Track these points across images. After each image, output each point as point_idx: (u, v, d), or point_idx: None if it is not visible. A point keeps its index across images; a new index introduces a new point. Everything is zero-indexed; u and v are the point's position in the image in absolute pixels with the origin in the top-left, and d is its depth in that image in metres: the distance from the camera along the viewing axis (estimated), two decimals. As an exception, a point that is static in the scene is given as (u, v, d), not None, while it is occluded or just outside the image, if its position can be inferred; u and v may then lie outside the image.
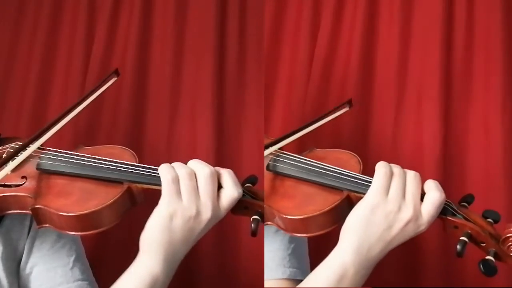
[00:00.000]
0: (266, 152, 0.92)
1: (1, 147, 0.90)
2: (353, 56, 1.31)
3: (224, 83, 1.32)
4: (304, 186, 0.87)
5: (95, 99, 0.98)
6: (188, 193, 0.79)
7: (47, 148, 0.88)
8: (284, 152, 0.93)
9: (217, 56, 1.31)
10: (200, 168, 0.81)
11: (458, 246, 0.79)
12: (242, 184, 0.85)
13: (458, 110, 1.27)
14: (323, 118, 1.03)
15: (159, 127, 1.31)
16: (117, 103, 1.31)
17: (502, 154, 1.21)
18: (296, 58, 1.34)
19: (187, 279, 1.23)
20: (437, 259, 1.20)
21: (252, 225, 0.81)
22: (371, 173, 0.84)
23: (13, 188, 0.83)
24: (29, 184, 0.84)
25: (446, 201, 0.82)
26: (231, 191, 0.81)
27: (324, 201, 0.83)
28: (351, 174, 0.86)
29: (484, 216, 0.83)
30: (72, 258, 0.91)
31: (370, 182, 0.82)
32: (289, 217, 0.83)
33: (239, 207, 0.83)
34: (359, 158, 0.92)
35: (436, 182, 0.82)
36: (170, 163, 0.82)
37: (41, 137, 0.89)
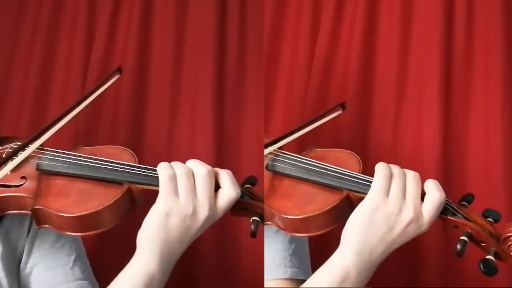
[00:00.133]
0: (265, 152, 0.92)
1: (1, 147, 0.90)
2: (353, 56, 1.31)
3: (224, 83, 1.32)
4: (304, 185, 0.87)
5: (96, 98, 0.98)
6: (185, 192, 0.79)
7: (47, 148, 0.88)
8: (284, 151, 0.93)
9: (217, 56, 1.31)
10: (198, 167, 0.81)
11: (458, 246, 0.79)
12: (242, 185, 0.85)
13: (458, 110, 1.27)
14: (315, 122, 1.02)
15: (159, 127, 1.31)
16: (117, 103, 1.31)
17: (502, 154, 1.21)
18: (296, 58, 1.34)
19: (187, 279, 1.23)
20: (437, 259, 1.20)
21: (252, 226, 0.81)
22: (371, 173, 0.84)
23: (12, 189, 0.83)
24: (29, 184, 0.84)
25: (446, 200, 0.82)
26: (229, 191, 0.81)
27: (324, 201, 0.83)
28: (351, 174, 0.86)
29: (485, 215, 0.83)
30: (72, 258, 0.91)
31: (370, 182, 0.82)
32: (289, 217, 0.83)
33: (238, 208, 0.83)
34: (359, 158, 0.92)
35: (436, 181, 0.82)
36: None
37: (40, 137, 0.89)
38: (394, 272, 1.20)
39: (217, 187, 0.82)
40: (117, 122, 1.31)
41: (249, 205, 0.83)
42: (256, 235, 0.81)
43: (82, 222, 0.79)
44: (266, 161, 0.91)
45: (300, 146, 1.04)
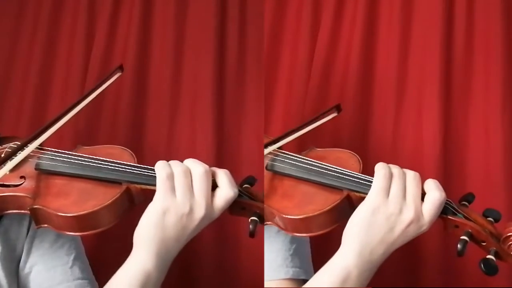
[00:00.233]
0: (265, 151, 0.92)
1: (0, 147, 0.90)
2: (353, 56, 1.30)
3: (224, 83, 1.32)
4: (304, 185, 0.87)
5: (96, 97, 0.98)
6: (182, 190, 0.79)
7: (46, 148, 0.88)
8: (284, 151, 0.93)
9: (217, 56, 1.31)
10: (195, 166, 0.81)
11: (459, 245, 0.79)
12: (240, 185, 0.85)
13: (458, 110, 1.26)
14: (312, 123, 1.02)
15: (159, 127, 1.31)
16: (117, 103, 1.31)
17: (502, 154, 1.21)
18: (296, 58, 1.34)
19: (187, 279, 1.23)
20: (437, 259, 1.20)
21: (250, 226, 0.81)
22: (371, 173, 0.84)
23: (11, 188, 0.83)
24: (28, 184, 0.84)
25: (447, 200, 0.81)
26: (226, 191, 0.81)
27: (324, 201, 0.83)
28: (351, 174, 0.86)
29: (485, 215, 0.82)
30: (71, 257, 0.91)
31: (370, 182, 0.82)
32: (289, 217, 0.83)
33: (237, 207, 0.83)
34: (359, 158, 0.92)
35: (436, 181, 0.82)
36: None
37: (40, 136, 0.88)
38: (394, 272, 1.20)
39: (214, 186, 0.82)
40: (117, 122, 1.30)
41: (247, 205, 0.83)
42: (255, 235, 0.81)
43: (81, 222, 0.79)
44: (266, 161, 0.91)
45: (300, 146, 1.04)
